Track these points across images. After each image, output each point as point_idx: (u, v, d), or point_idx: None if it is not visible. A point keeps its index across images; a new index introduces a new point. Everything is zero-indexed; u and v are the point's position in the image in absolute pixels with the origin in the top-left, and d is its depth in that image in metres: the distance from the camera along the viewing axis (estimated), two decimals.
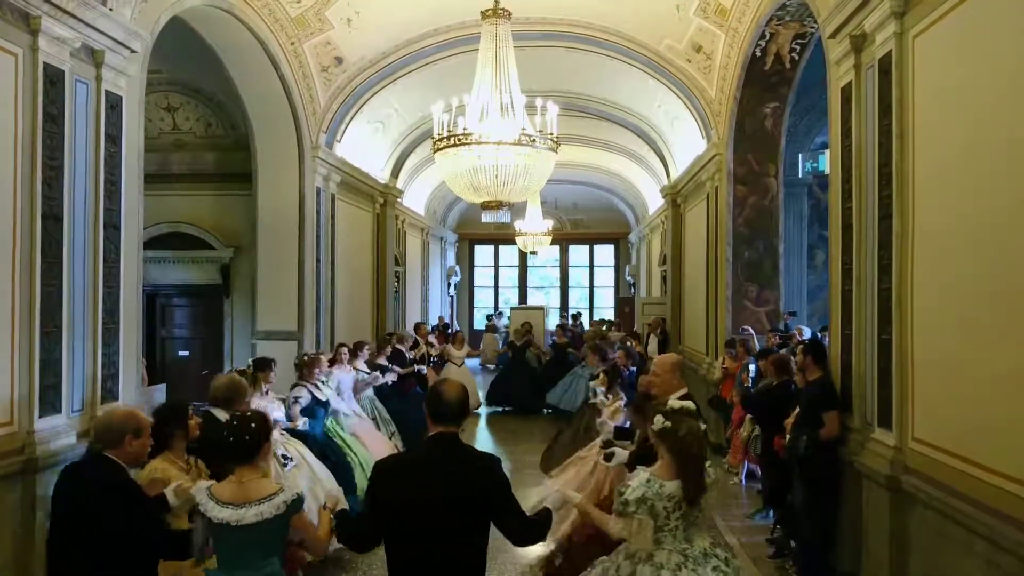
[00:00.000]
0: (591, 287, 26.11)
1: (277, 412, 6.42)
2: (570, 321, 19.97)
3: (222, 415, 4.86)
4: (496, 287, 26.52)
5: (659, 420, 3.67)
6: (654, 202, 17.58)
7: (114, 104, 6.12)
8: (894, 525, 4.86)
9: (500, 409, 14.65)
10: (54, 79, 5.42)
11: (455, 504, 3.11)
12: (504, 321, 21.16)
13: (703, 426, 3.76)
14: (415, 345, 13.22)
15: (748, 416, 7.44)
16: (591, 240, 25.66)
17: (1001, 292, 3.88)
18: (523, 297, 25.69)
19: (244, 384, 5.38)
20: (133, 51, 6.23)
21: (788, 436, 6.07)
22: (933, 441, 4.58)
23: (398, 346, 11.62)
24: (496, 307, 25.63)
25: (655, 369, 5.18)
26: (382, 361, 10.60)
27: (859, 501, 5.36)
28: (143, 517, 3.48)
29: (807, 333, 9.47)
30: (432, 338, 16.02)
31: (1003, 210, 3.87)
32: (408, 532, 3.13)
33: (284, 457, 6.34)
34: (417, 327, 14.89)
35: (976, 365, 4.12)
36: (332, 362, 8.62)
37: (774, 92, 9.65)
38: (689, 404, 3.89)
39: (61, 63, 5.47)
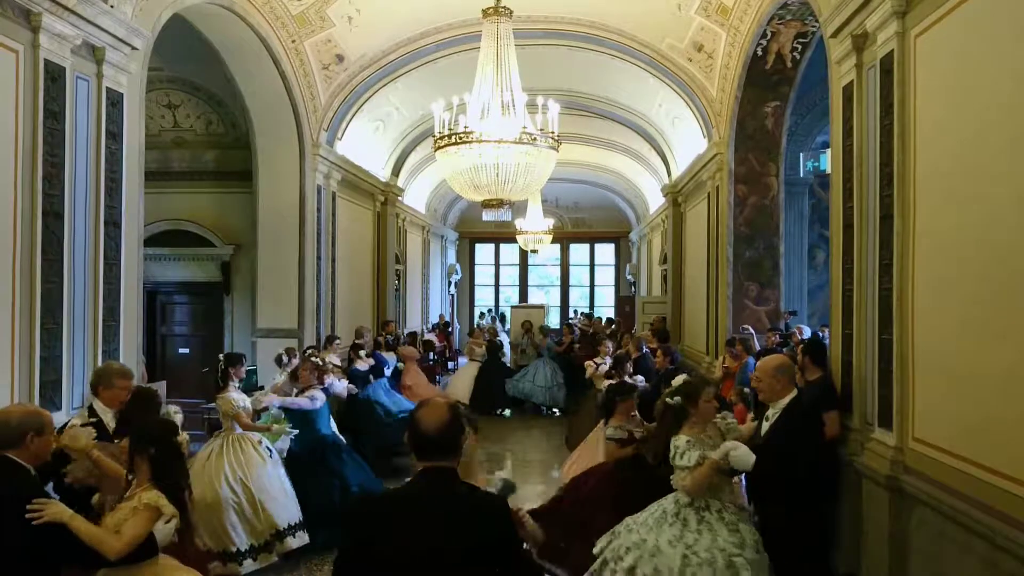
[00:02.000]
0: (592, 286, 26.10)
1: (244, 402, 6.62)
2: (581, 319, 19.73)
3: None
4: (497, 285, 26.51)
5: (657, 406, 4.32)
6: (655, 201, 17.58)
7: (115, 101, 6.12)
8: (894, 525, 4.86)
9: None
10: (55, 76, 5.43)
11: (454, 559, 2.51)
12: (487, 323, 20.38)
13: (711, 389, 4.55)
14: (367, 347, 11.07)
15: (751, 416, 7.42)
16: (592, 239, 25.64)
17: (1002, 292, 3.88)
18: (523, 295, 25.68)
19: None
20: (134, 48, 6.24)
21: None
22: (933, 441, 4.57)
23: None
24: (497, 306, 25.60)
25: (756, 374, 4.88)
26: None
27: (859, 501, 5.36)
28: (43, 527, 3.14)
29: (807, 332, 9.46)
30: (432, 336, 16.02)
31: (1005, 210, 3.86)
32: None
33: (268, 450, 6.48)
34: (385, 324, 13.73)
35: (977, 365, 4.12)
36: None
37: (775, 91, 9.64)
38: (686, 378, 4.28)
39: (62, 60, 5.48)
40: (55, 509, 3.12)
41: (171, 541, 3.38)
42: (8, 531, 3.05)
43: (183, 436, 3.47)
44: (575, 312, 22.24)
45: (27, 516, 3.04)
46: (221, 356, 7.07)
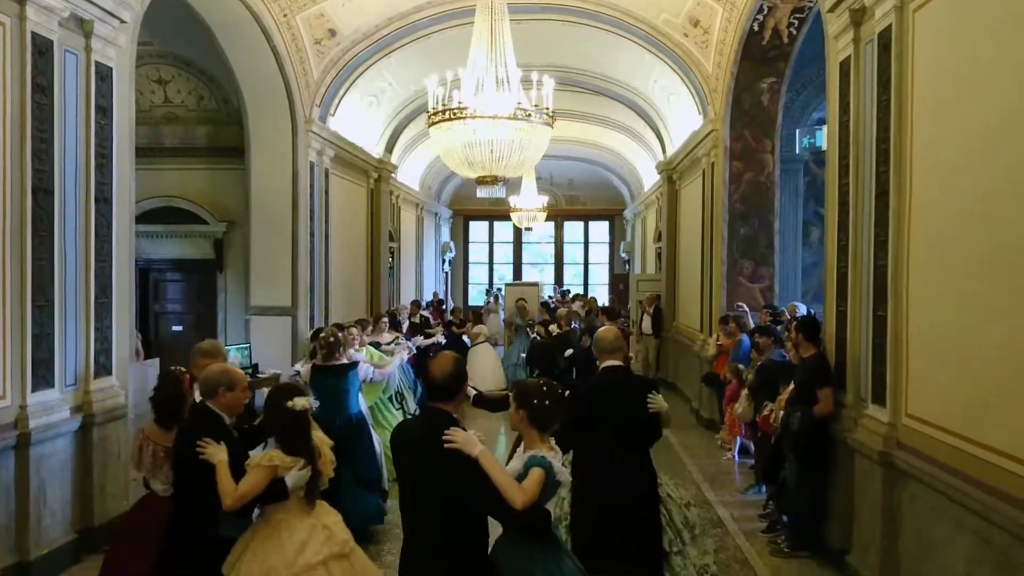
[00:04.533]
0: (586, 263, 26.11)
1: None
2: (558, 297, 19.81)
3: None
4: (491, 263, 26.48)
5: None
6: (649, 178, 17.52)
7: (104, 75, 6.04)
8: (886, 501, 4.89)
9: None
10: (43, 49, 5.35)
11: (426, 482, 3.18)
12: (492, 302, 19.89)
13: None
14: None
15: (745, 392, 7.46)
16: (586, 216, 25.59)
17: (996, 269, 3.87)
18: (518, 273, 25.67)
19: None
20: (123, 21, 6.15)
21: (781, 412, 6.11)
22: (926, 417, 4.59)
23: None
24: (491, 283, 25.58)
25: None
26: None
27: (851, 477, 5.40)
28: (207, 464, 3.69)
29: (802, 310, 9.47)
30: (427, 313, 15.97)
31: (1000, 187, 3.85)
32: (401, 493, 3.37)
33: None
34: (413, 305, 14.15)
35: (971, 342, 4.12)
36: None
37: (771, 67, 9.58)
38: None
39: (49, 33, 5.39)
40: (213, 450, 3.68)
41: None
42: (191, 460, 3.69)
43: (296, 401, 3.83)
44: (554, 289, 22.16)
45: (196, 448, 3.67)
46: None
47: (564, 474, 3.28)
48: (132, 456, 4.39)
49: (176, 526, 3.80)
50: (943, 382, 4.43)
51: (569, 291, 22.16)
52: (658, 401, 4.37)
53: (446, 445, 3.08)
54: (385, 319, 9.84)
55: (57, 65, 5.50)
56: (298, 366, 6.95)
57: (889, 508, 4.87)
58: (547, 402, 3.34)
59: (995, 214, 3.90)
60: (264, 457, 3.73)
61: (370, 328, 9.13)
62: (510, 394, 3.63)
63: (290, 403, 3.81)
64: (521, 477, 3.18)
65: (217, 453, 3.68)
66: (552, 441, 3.39)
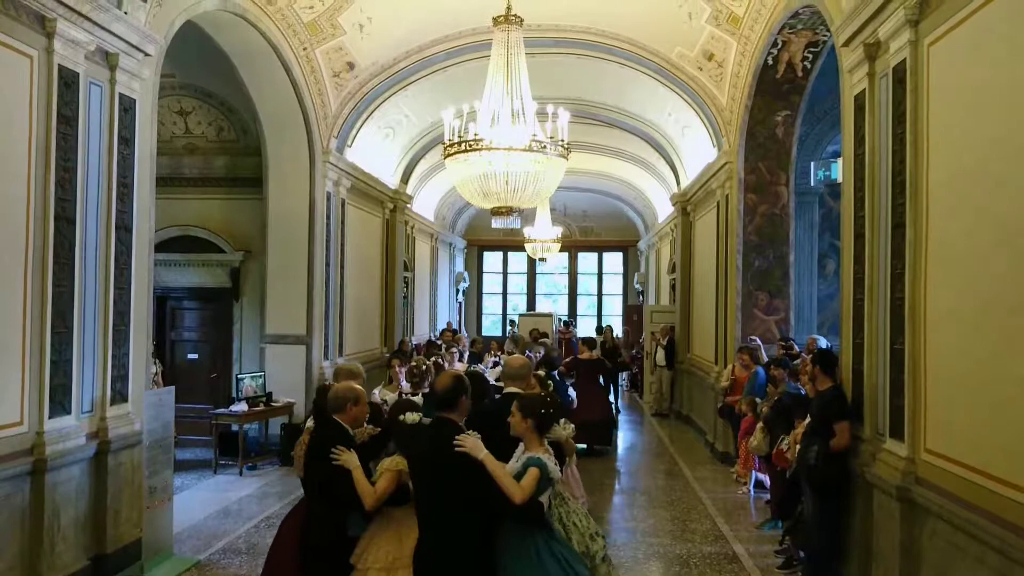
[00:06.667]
0: (600, 294, 26.09)
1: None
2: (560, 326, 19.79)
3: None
4: (504, 294, 26.51)
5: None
6: (663, 210, 17.55)
7: (127, 107, 6.15)
8: (904, 536, 4.81)
9: None
10: (69, 81, 5.46)
11: (436, 480, 3.71)
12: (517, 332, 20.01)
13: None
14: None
15: (760, 425, 7.40)
16: (600, 247, 25.64)
17: (1015, 301, 3.85)
18: (531, 304, 25.68)
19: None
20: (147, 54, 6.27)
21: (797, 446, 6.05)
22: (945, 452, 4.53)
23: None
24: (504, 313, 25.57)
25: None
26: None
27: (869, 512, 5.32)
28: (340, 469, 4.16)
29: (822, 343, 9.40)
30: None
31: (1018, 219, 3.83)
32: (416, 493, 3.86)
33: None
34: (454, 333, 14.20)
35: (989, 376, 4.08)
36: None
37: (786, 100, 9.62)
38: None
39: (75, 65, 5.51)
40: (347, 457, 4.16)
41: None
42: (325, 466, 4.17)
43: (408, 415, 4.31)
44: (558, 320, 22.15)
45: (330, 456, 4.15)
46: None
47: (556, 472, 3.79)
48: (296, 462, 4.97)
49: (310, 524, 4.34)
50: (962, 416, 4.37)
51: (572, 322, 22.16)
52: (554, 430, 4.49)
53: (456, 449, 3.60)
54: (455, 350, 9.94)
55: (82, 97, 5.61)
56: (377, 392, 7.29)
57: (908, 544, 4.79)
58: (551, 411, 3.95)
59: (1013, 246, 3.88)
60: (392, 463, 4.19)
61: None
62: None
63: (402, 417, 4.33)
64: (520, 475, 3.68)
65: (352, 459, 4.15)
66: (546, 443, 3.90)
